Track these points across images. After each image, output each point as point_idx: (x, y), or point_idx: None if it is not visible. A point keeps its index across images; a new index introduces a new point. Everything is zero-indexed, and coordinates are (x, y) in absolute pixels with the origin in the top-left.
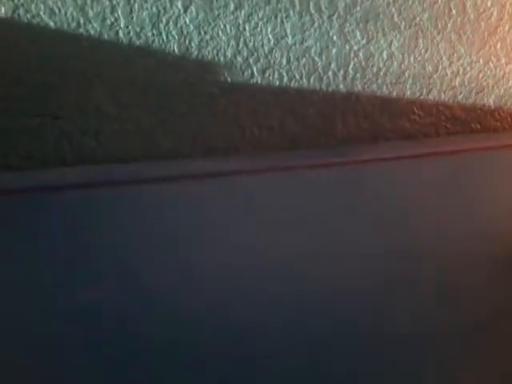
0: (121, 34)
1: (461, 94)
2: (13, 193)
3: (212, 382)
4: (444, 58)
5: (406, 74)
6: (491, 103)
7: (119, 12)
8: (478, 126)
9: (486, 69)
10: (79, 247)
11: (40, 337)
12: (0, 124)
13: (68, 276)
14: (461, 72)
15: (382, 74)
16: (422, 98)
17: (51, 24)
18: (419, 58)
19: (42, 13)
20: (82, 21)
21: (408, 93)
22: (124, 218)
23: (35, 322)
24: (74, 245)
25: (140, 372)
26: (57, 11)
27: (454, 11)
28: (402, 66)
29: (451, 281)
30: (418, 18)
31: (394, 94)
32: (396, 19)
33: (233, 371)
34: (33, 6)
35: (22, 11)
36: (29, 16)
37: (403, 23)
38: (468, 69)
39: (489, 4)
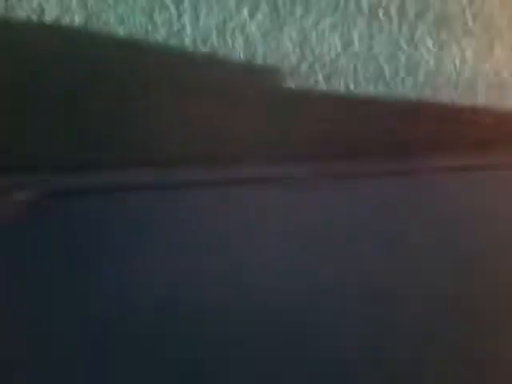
0: (187, 41)
1: None
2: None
3: None
4: None
5: (480, 82)
6: None
7: (186, 19)
8: None
9: None
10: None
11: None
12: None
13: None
14: None
15: (453, 81)
16: (496, 106)
17: (121, 31)
18: (494, 65)
19: (112, 21)
20: (149, 28)
21: (481, 101)
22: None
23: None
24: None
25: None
26: (126, 19)
27: None
28: (475, 73)
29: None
30: (494, 23)
31: (466, 102)
32: (470, 24)
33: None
34: (103, 14)
35: (94, 19)
36: (100, 23)
37: (478, 28)
38: None
39: None
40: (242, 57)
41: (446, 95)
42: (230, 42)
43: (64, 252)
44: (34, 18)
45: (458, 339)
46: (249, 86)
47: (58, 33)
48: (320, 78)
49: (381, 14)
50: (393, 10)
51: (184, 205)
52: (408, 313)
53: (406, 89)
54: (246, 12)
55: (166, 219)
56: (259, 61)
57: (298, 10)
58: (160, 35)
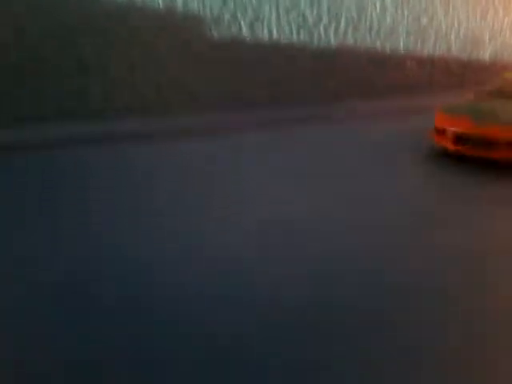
0: None
1: (456, 46)
2: None
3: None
4: (439, 10)
5: (400, 27)
6: (486, 56)
7: None
8: (473, 79)
9: (482, 22)
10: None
11: None
12: None
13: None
14: (456, 24)
15: (375, 27)
16: (416, 51)
17: None
18: (413, 11)
19: None
20: None
21: (402, 46)
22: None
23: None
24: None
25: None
26: None
27: None
28: (396, 19)
29: None
30: None
31: (388, 47)
32: None
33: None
34: None
35: None
36: None
37: None
38: (464, 21)
39: None
40: (162, 5)
41: (369, 41)
42: None
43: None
44: None
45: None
46: (171, 35)
47: None
48: (243, 25)
49: None
50: None
51: (120, 155)
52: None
53: (329, 36)
54: None
55: (103, 169)
56: (180, 9)
57: None
58: None
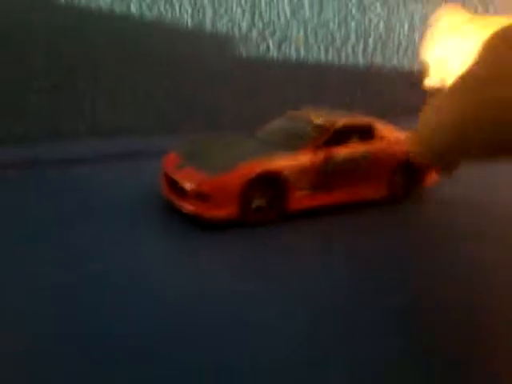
0: (132, 7)
1: None
2: None
3: None
4: None
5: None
6: None
7: None
8: None
9: None
10: None
11: None
12: None
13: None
14: None
15: (403, 46)
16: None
17: None
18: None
19: None
20: None
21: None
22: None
23: None
24: None
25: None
26: None
27: None
28: (424, 38)
29: None
30: None
31: (416, 66)
32: None
33: None
34: None
35: None
36: None
37: None
38: None
39: None
40: (189, 23)
41: (396, 60)
42: (177, 7)
43: None
44: None
45: None
46: (198, 53)
47: None
48: (271, 44)
49: None
50: None
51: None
52: None
53: (357, 54)
54: None
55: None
56: (208, 27)
57: None
58: (105, 1)
